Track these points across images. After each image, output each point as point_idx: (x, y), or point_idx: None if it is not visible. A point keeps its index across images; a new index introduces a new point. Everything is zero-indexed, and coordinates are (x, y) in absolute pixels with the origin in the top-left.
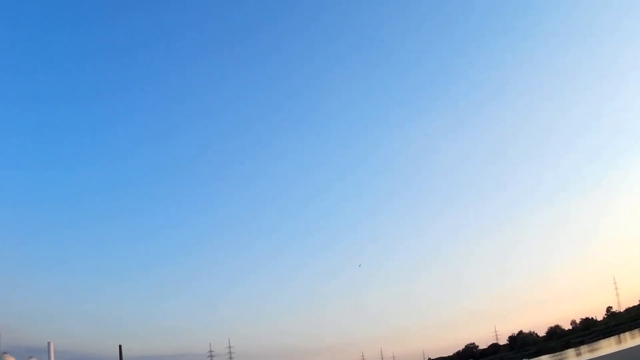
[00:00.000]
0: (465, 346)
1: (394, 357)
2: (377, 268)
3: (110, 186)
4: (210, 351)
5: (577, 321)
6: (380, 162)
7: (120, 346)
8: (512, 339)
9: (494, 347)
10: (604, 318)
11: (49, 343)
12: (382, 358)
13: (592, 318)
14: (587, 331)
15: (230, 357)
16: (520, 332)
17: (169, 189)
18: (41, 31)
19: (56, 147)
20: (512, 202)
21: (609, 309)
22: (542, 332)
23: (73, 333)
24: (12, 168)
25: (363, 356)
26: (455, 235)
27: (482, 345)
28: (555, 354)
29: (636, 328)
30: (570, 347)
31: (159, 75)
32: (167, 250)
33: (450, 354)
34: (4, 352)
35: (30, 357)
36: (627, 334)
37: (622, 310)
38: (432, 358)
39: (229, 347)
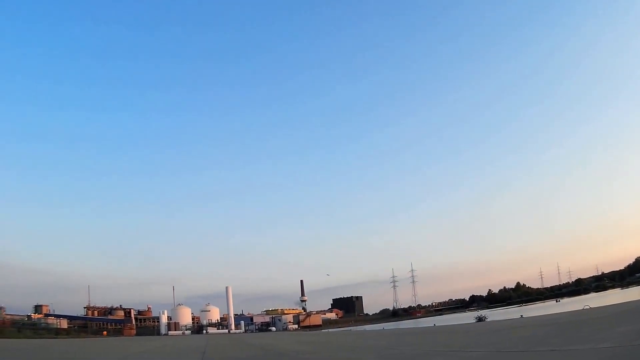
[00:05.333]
0: (636, 259)
1: (569, 272)
2: (554, 180)
3: None
4: (394, 276)
5: None
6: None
7: (301, 281)
8: None
9: None
10: None
11: (227, 287)
12: (558, 273)
13: None
14: None
15: (413, 281)
16: None
17: None
18: None
19: None
20: None
21: None
22: None
23: (248, 276)
24: None
25: (541, 272)
26: None
27: None
28: None
29: None
30: None
31: None
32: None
33: (622, 267)
34: (179, 304)
35: (207, 304)
36: None
37: None
38: (605, 272)
39: (412, 270)
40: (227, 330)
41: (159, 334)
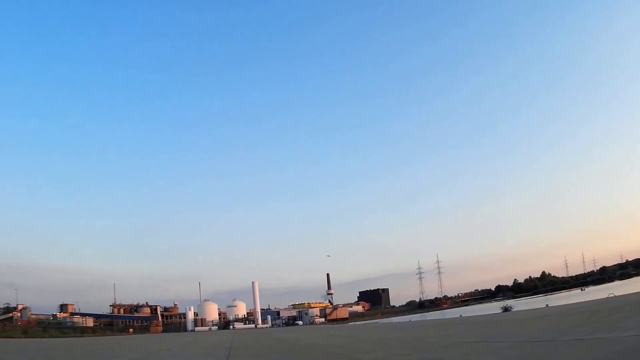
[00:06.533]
0: None
1: (594, 260)
2: (577, 168)
3: None
4: (419, 268)
5: None
6: None
7: (328, 274)
8: None
9: None
10: None
11: (253, 282)
12: (583, 262)
13: None
14: None
15: (439, 272)
16: None
17: None
18: None
19: None
20: None
21: None
22: None
23: (275, 271)
24: None
25: (566, 261)
26: None
27: None
28: None
29: None
30: None
31: None
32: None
33: None
34: (205, 300)
35: (234, 299)
36: None
37: None
38: (629, 259)
39: (438, 262)
40: (253, 325)
41: (185, 330)
